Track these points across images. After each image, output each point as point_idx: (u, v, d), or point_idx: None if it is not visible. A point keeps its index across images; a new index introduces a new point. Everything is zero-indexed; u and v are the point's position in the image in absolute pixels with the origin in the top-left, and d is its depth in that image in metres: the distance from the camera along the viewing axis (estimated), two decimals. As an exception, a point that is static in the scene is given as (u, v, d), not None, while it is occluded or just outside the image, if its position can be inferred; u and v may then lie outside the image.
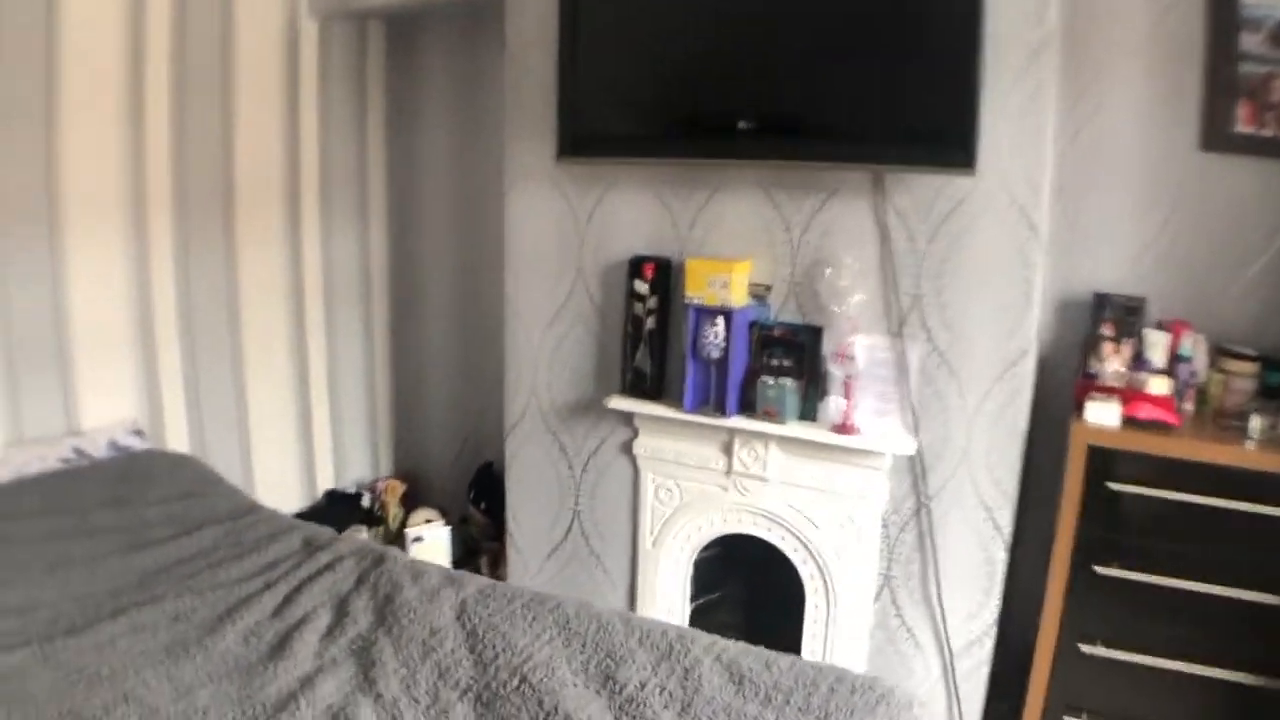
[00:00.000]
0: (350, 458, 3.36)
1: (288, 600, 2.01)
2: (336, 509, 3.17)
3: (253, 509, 2.43)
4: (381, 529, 3.12)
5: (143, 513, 2.33)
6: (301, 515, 3.04)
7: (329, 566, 2.15)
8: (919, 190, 2.08)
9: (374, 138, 3.34)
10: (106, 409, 2.60)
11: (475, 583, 2.06)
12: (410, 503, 3.34)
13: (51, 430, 2.48)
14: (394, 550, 2.22)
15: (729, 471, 2.37)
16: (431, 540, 2.98)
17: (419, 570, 2.10)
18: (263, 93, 2.87)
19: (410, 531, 2.98)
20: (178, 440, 2.78)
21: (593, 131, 2.38)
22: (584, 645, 1.82)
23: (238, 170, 2.82)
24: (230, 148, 2.82)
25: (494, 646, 1.81)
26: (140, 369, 2.69)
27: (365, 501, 3.19)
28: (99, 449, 2.48)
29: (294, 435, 3.11)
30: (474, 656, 1.77)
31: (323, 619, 1.96)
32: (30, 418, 2.46)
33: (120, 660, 1.74)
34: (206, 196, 2.74)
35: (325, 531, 2.33)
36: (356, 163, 3.29)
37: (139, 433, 2.58)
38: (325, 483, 3.30)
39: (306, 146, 3.09)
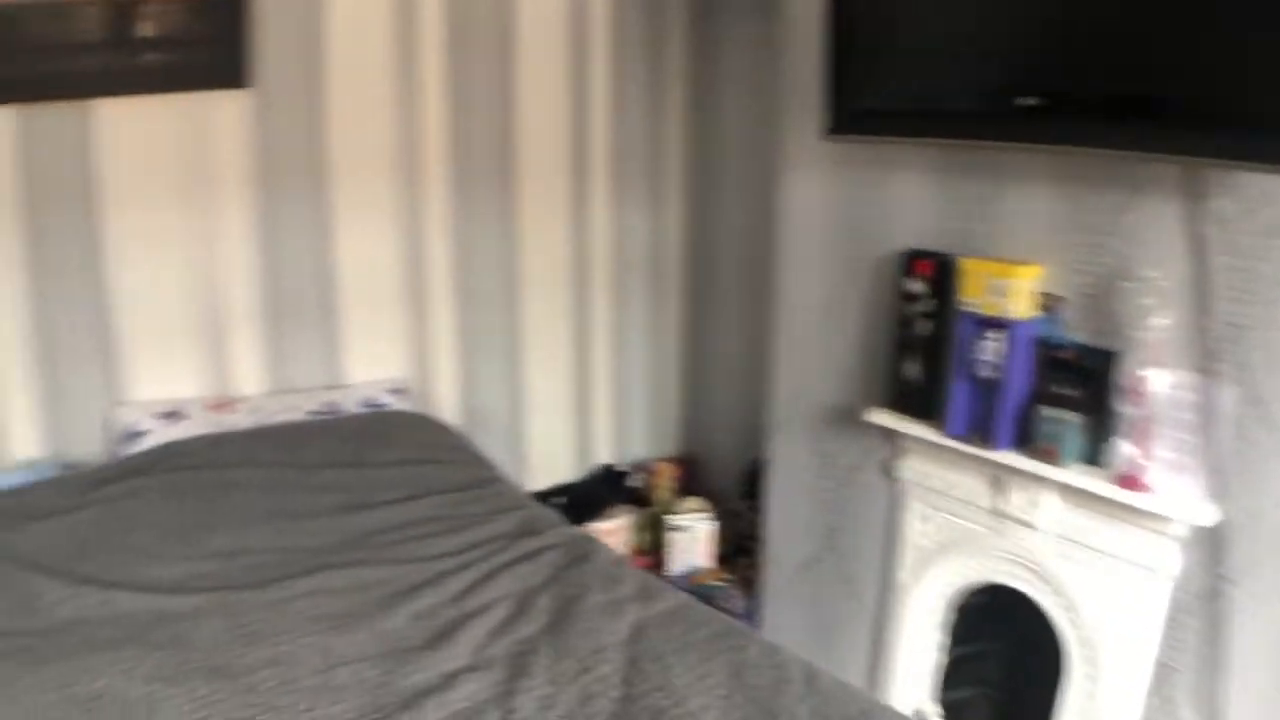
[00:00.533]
0: (631, 435, 3.35)
1: (474, 586, 1.96)
2: (605, 486, 3.14)
3: (485, 481, 2.43)
4: (648, 512, 2.97)
5: (373, 473, 2.36)
6: (569, 488, 3.11)
7: (530, 556, 2.08)
8: (1249, 193, 1.56)
9: (672, 111, 3.23)
10: (372, 367, 2.75)
11: (668, 600, 1.90)
12: (686, 489, 3.21)
13: (314, 384, 2.66)
14: (604, 548, 2.12)
15: (995, 512, 1.98)
16: (695, 531, 2.87)
17: (615, 577, 1.98)
18: (547, 60, 2.85)
19: (674, 519, 2.82)
20: (446, 403, 2.90)
21: (865, 107, 2.09)
22: (746, 700, 1.59)
23: (519, 138, 2.86)
24: (511, 115, 2.86)
25: (650, 680, 1.64)
26: (409, 330, 2.82)
27: (636, 482, 3.06)
28: (352, 405, 2.61)
29: (570, 407, 3.13)
30: (625, 687, 1.62)
31: (499, 612, 1.88)
32: (296, 371, 2.67)
33: (289, 622, 1.79)
34: (484, 163, 2.80)
35: (547, 517, 2.26)
36: (651, 137, 3.21)
37: (399, 391, 2.63)
38: (602, 457, 3.30)
39: (596, 118, 3.07)
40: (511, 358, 2.97)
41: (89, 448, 2.42)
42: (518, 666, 1.67)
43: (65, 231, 2.32)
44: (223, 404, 2.46)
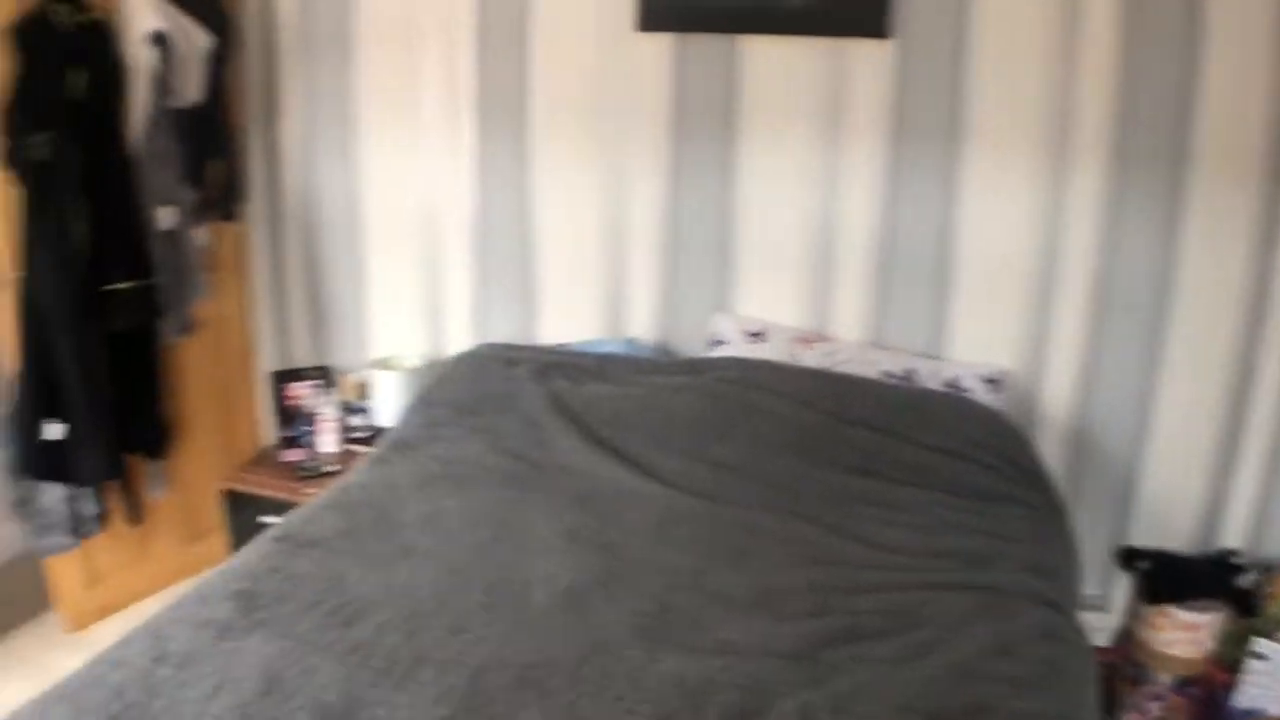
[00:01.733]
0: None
1: (890, 592, 1.93)
2: (1211, 569, 2.68)
3: (1016, 502, 2.30)
4: (1247, 623, 2.48)
5: (900, 447, 2.41)
6: (1162, 555, 2.68)
7: (981, 593, 1.93)
8: None
9: None
10: (977, 348, 2.72)
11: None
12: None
13: (907, 347, 2.76)
14: (1085, 657, 1.85)
15: None
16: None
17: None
18: (1245, 22, 2.30)
19: (1263, 642, 2.31)
20: (1050, 415, 2.74)
21: None
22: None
23: (1204, 119, 2.47)
24: (1193, 87, 2.44)
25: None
26: (1027, 319, 2.69)
27: (1248, 581, 2.52)
28: (933, 379, 2.67)
29: (1209, 465, 2.70)
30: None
31: (866, 627, 1.82)
32: (895, 329, 2.77)
33: (714, 547, 2.04)
34: (1151, 141, 2.51)
35: (1064, 596, 2.02)
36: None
37: (994, 382, 2.72)
38: (1229, 538, 2.73)
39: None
40: (1143, 385, 2.67)
41: (686, 342, 2.91)
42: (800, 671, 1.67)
43: (704, 149, 2.79)
44: (808, 339, 2.77)
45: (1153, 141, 2.51)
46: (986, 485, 2.33)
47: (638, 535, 2.05)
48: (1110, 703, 2.60)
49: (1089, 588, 2.72)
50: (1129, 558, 2.68)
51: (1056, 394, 2.71)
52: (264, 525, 2.33)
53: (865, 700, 1.57)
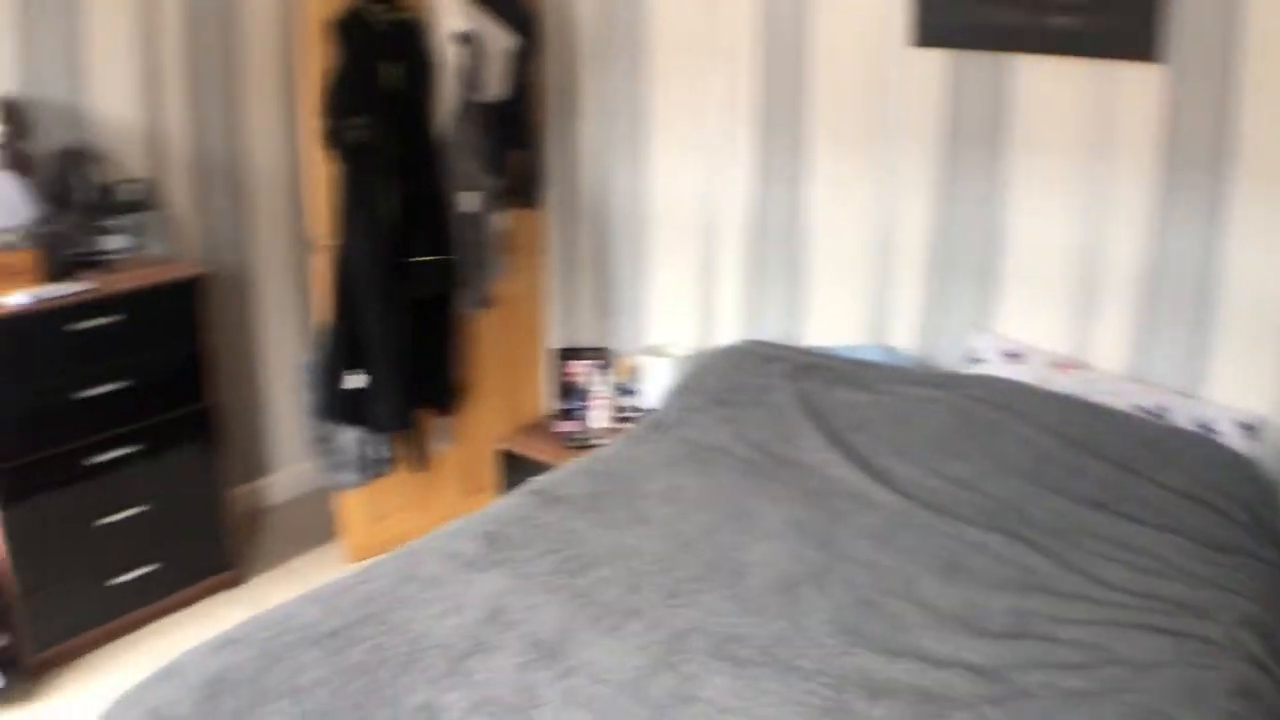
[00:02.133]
0: None
1: (1071, 631, 1.94)
2: None
3: (1255, 556, 2.23)
4: None
5: (1137, 484, 2.41)
6: None
7: (1173, 639, 1.92)
8: None
9: None
10: (1241, 390, 2.61)
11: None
12: None
13: (1168, 383, 2.72)
14: None
15: None
16: None
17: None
18: None
19: None
20: None
21: None
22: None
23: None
24: None
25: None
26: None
27: None
28: (1185, 419, 2.61)
29: None
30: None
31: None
32: (1158, 365, 2.72)
33: (925, 560, 2.16)
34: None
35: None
36: None
37: (1250, 429, 2.64)
38: None
39: None
40: None
41: (944, 356, 3.00)
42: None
43: (973, 164, 2.89)
44: (1064, 365, 2.83)
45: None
46: (1224, 536, 2.28)
47: (860, 536, 2.23)
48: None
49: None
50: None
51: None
52: (532, 484, 2.76)
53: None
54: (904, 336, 3.06)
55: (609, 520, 2.21)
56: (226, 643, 1.78)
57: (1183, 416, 2.63)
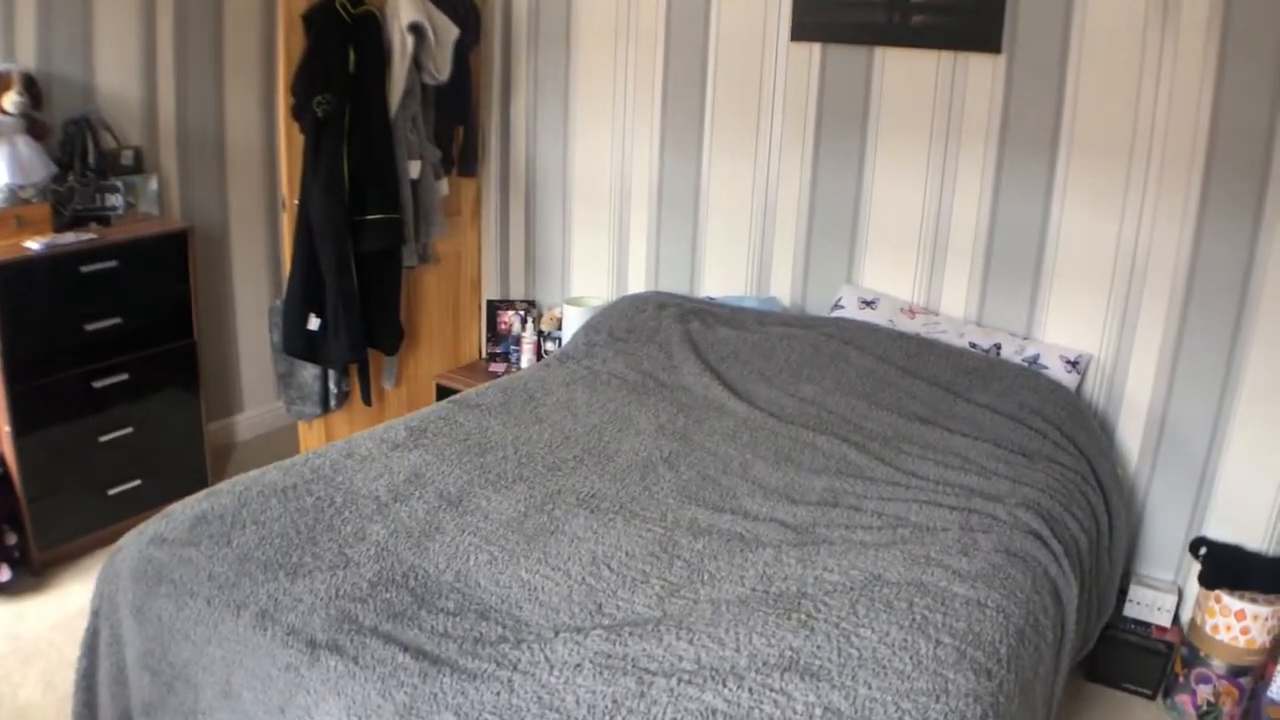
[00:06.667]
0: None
1: (899, 524, 2.51)
2: (1263, 562, 2.98)
3: (1060, 465, 2.77)
4: None
5: (957, 403, 3.02)
6: (1226, 549, 3.02)
7: (989, 529, 2.48)
8: None
9: None
10: (1066, 335, 3.25)
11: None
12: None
13: (1002, 326, 3.36)
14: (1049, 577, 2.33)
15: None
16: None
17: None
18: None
19: None
20: (1136, 389, 3.20)
21: None
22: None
23: None
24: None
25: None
26: (1113, 313, 3.18)
27: None
28: (1016, 355, 3.24)
29: None
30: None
31: (854, 544, 2.48)
32: (993, 310, 3.35)
33: (770, 452, 2.81)
34: (1247, 163, 2.90)
35: (1063, 543, 2.42)
36: None
37: (1074, 364, 3.25)
38: None
39: None
40: (1224, 357, 3.02)
41: (815, 304, 3.68)
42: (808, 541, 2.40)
43: (840, 141, 3.56)
44: (913, 310, 3.43)
45: (1249, 161, 2.90)
46: (1032, 446, 2.85)
47: (713, 435, 2.88)
48: (1169, 683, 3.01)
49: (1162, 571, 3.20)
50: (1196, 546, 3.04)
51: (1139, 385, 3.16)
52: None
53: (826, 557, 2.27)
54: (783, 288, 3.72)
55: (511, 420, 2.87)
56: (209, 494, 2.42)
57: (1014, 354, 3.25)
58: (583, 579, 2.14)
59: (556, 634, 1.93)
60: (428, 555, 2.20)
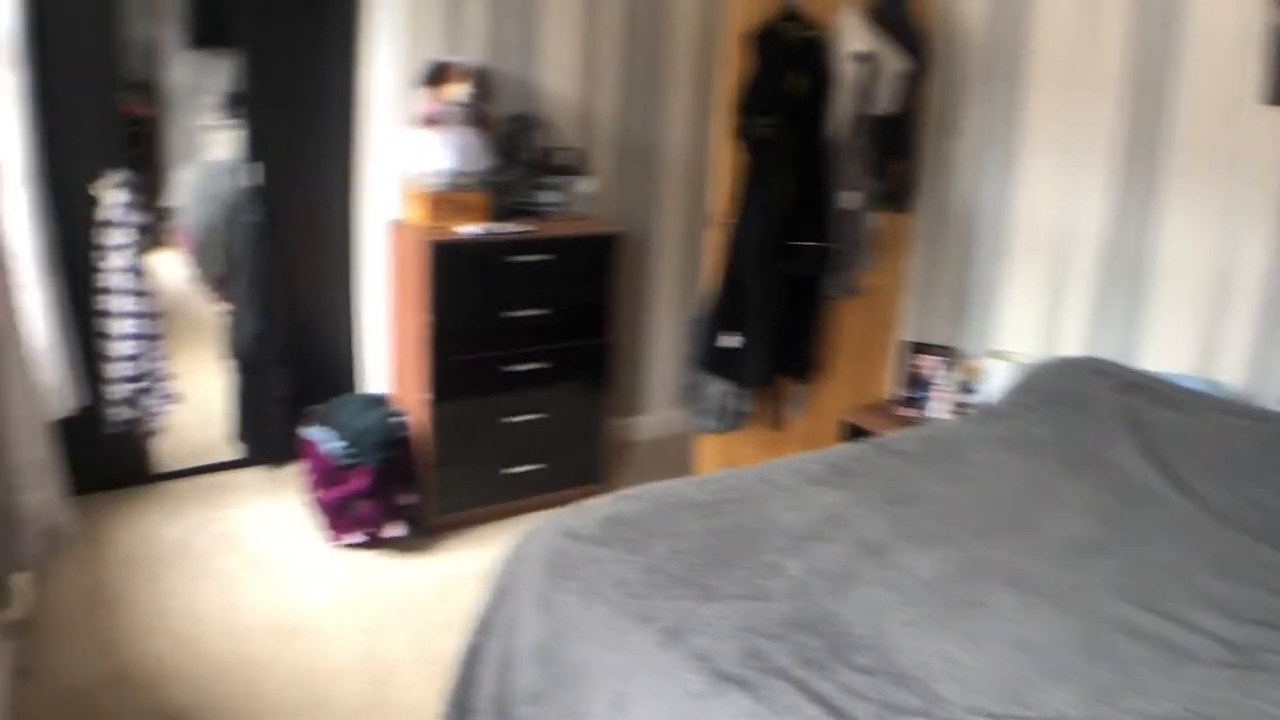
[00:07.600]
0: None
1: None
2: None
3: None
4: None
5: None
6: None
7: None
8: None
9: None
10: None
11: None
12: None
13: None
14: None
15: None
16: None
17: None
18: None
19: None
20: None
21: None
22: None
23: None
24: None
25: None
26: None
27: None
28: None
29: None
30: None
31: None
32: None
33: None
34: None
35: None
36: None
37: None
38: None
39: None
40: None
41: (1269, 394, 3.17)
42: None
43: None
44: None
45: None
46: None
47: (1147, 526, 2.56)
48: None
49: None
50: None
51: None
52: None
53: (1268, 688, 1.91)
54: (1232, 371, 3.29)
55: (933, 473, 2.71)
56: (622, 498, 2.44)
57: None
58: (1003, 663, 1.96)
59: (971, 717, 1.77)
60: (845, 603, 2.09)
